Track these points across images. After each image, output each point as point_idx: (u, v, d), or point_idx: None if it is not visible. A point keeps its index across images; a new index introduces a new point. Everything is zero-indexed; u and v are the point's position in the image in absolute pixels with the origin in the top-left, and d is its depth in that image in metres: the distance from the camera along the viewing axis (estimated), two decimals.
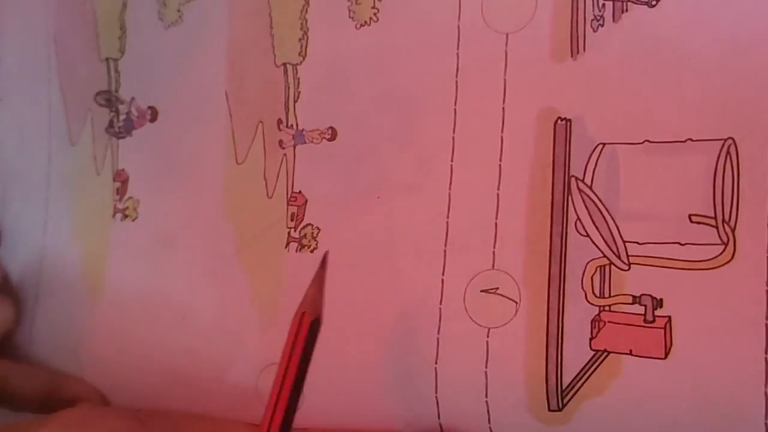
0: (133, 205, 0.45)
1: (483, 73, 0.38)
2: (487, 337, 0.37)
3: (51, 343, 0.47)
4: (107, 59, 0.46)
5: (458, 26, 0.39)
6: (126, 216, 0.45)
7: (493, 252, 0.37)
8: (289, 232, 0.41)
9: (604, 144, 0.35)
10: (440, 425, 0.38)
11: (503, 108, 0.38)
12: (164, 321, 0.43)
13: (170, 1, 0.44)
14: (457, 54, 0.39)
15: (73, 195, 0.47)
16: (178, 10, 0.44)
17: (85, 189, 0.47)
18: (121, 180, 0.46)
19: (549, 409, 0.36)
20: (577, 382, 0.35)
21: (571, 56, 0.36)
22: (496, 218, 0.37)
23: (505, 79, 0.38)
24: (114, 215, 0.46)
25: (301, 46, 0.42)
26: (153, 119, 0.45)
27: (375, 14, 0.40)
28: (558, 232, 0.36)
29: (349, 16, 0.41)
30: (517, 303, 0.36)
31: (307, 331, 0.33)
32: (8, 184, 0.48)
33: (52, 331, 0.47)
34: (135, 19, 0.45)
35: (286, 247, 0.41)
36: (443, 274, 0.38)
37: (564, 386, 0.35)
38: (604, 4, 0.36)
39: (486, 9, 0.38)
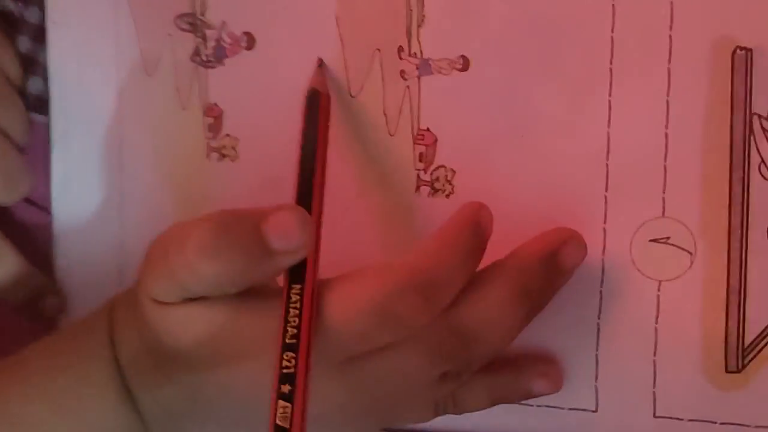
0: (231, 144, 0.41)
1: None
2: (658, 290, 0.35)
3: None
4: None
5: None
6: (224, 156, 0.41)
7: (663, 198, 0.35)
8: (418, 175, 0.38)
9: None
10: (595, 387, 0.36)
11: (670, 36, 0.34)
12: None
13: None
14: None
15: (155, 133, 0.43)
16: None
17: (168, 126, 0.42)
18: (214, 115, 0.42)
19: (726, 370, 0.34)
20: (761, 341, 0.33)
21: None
22: (665, 160, 0.35)
23: (671, 2, 0.34)
24: (208, 155, 0.42)
25: None
26: (250, 46, 0.41)
27: None
28: (739, 178, 0.34)
29: None
30: (691, 254, 0.34)
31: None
32: (70, 121, 0.44)
33: None
34: None
35: (416, 190, 0.38)
36: (605, 223, 0.36)
37: (746, 345, 0.34)
38: None
39: None
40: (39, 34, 0.45)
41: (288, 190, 0.40)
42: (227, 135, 0.42)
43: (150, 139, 0.43)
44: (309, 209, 0.33)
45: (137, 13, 0.43)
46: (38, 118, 0.45)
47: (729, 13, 0.33)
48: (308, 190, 0.34)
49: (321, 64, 0.39)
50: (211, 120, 0.42)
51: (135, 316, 0.34)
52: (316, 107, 0.36)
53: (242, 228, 0.30)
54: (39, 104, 0.45)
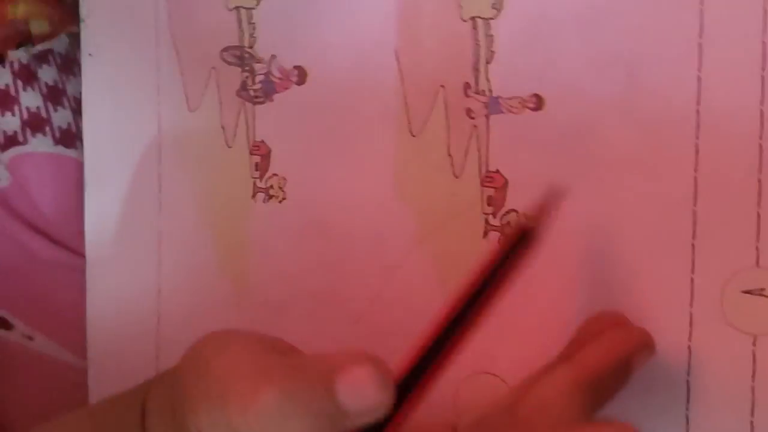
0: (278, 184, 0.39)
1: (734, 33, 0.33)
2: (753, 345, 0.33)
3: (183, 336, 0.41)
4: (238, 8, 0.39)
5: None
6: (271, 197, 0.39)
7: (756, 246, 0.33)
8: (486, 219, 0.36)
9: None
10: None
11: (762, 76, 0.32)
12: (334, 322, 0.38)
13: None
14: (701, 8, 0.33)
15: (196, 172, 0.40)
16: None
17: (212, 164, 0.40)
18: (261, 154, 0.40)
19: None
20: None
21: None
22: (758, 206, 0.33)
23: (764, 42, 0.32)
24: (254, 195, 0.39)
25: None
26: (301, 81, 0.38)
27: None
28: None
29: None
30: None
31: (516, 237, 0.30)
32: (104, 159, 0.41)
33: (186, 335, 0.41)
34: None
35: (485, 236, 0.36)
36: (692, 272, 0.34)
37: None
38: None
39: None
40: (66, 64, 0.42)
41: (335, 235, 0.38)
42: (274, 174, 0.40)
43: (191, 178, 0.41)
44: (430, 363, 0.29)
45: (181, 46, 0.40)
46: (66, 152, 0.42)
47: None
48: (438, 346, 0.29)
49: (554, 195, 0.32)
50: (258, 158, 0.40)
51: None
52: (520, 248, 0.30)
53: (312, 391, 0.26)
54: (66, 138, 0.42)
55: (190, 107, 0.41)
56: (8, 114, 0.42)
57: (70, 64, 0.43)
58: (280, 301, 0.40)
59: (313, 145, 0.39)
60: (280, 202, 0.39)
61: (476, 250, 0.36)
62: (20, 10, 0.42)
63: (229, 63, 0.40)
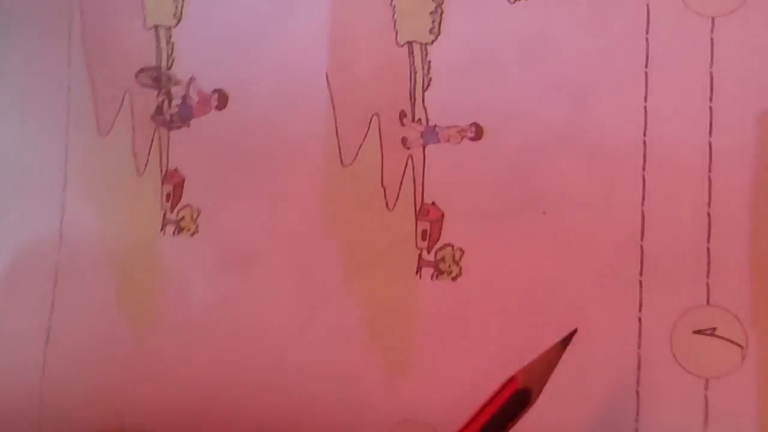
0: (191, 215, 0.36)
1: (681, 63, 0.31)
2: (705, 389, 0.30)
3: (72, 385, 0.37)
4: (156, 26, 0.36)
5: (647, 5, 0.32)
6: (181, 229, 0.36)
7: (707, 284, 0.31)
8: (420, 254, 0.33)
9: None
10: None
11: (710, 107, 0.31)
12: (249, 366, 0.34)
13: None
14: (647, 38, 0.32)
15: (102, 201, 0.37)
16: None
17: (119, 194, 0.37)
18: (174, 183, 0.36)
19: None
20: None
21: None
22: (708, 242, 0.31)
23: (711, 72, 0.31)
24: (163, 228, 0.36)
25: (434, 22, 0.34)
26: (221, 106, 0.36)
27: None
28: None
29: None
30: (742, 347, 0.30)
31: (507, 397, 0.26)
32: (4, 184, 0.37)
33: (73, 387, 0.36)
34: None
35: (417, 272, 0.33)
36: (640, 311, 0.31)
37: None
38: None
39: None
40: None
41: (253, 270, 0.35)
42: (187, 205, 0.36)
43: (96, 208, 0.37)
44: None
45: (94, 66, 0.37)
46: None
47: None
48: None
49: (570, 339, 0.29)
50: (170, 188, 0.36)
51: None
52: (512, 411, 0.27)
53: None
54: None
55: (100, 132, 0.37)
56: None
57: None
58: (187, 345, 0.36)
59: (232, 174, 0.36)
60: (191, 235, 0.36)
61: (408, 288, 0.33)
62: None
63: (145, 85, 0.37)
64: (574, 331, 0.28)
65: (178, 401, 0.36)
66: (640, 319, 0.31)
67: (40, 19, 0.38)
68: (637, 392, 0.31)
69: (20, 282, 0.37)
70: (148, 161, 0.37)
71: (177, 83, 0.36)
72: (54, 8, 0.38)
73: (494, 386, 0.29)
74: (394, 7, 0.34)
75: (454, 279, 0.33)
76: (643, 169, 0.32)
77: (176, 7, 0.36)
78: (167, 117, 0.37)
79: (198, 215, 0.36)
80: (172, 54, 0.36)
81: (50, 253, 0.37)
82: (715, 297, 0.31)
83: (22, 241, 0.37)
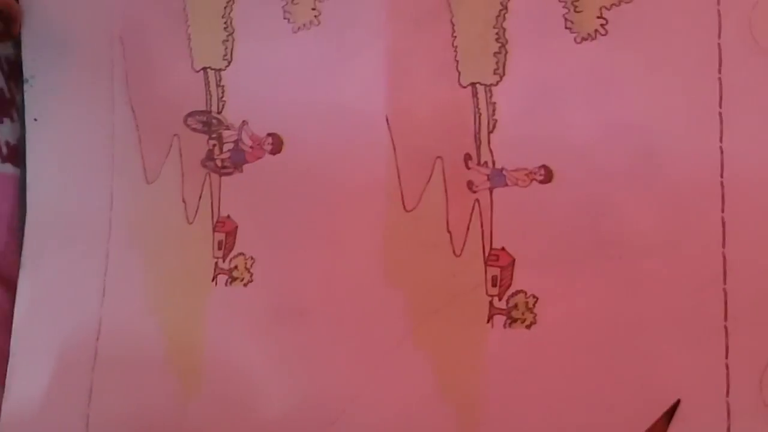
0: (244, 265, 0.34)
1: (757, 103, 0.31)
2: None
3: None
4: (205, 69, 0.35)
5: (719, 44, 0.31)
6: (233, 279, 0.34)
7: None
8: (491, 301, 0.32)
9: None
10: None
11: None
12: (305, 426, 0.33)
13: None
14: (719, 78, 0.31)
15: (149, 251, 0.35)
16: (314, 8, 0.34)
17: (168, 243, 0.35)
18: (226, 231, 0.35)
19: None
20: None
21: None
22: None
23: None
24: (215, 278, 0.34)
25: (498, 63, 0.33)
26: (275, 150, 0.35)
27: (602, 26, 0.32)
28: None
29: (566, 27, 0.32)
30: None
31: None
32: (45, 234, 0.36)
33: None
34: (247, 17, 0.35)
35: (488, 321, 0.32)
36: (726, 358, 0.30)
37: None
38: None
39: (755, 23, 0.31)
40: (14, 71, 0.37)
41: (310, 323, 0.33)
42: (241, 254, 0.35)
43: (143, 259, 0.35)
44: None
45: (139, 110, 0.36)
46: (7, 169, 0.37)
47: None
48: None
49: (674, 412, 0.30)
50: (222, 236, 0.35)
51: None
52: None
53: None
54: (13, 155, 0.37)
55: (147, 179, 0.36)
56: None
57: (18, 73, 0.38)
58: (238, 407, 0.34)
59: (288, 221, 0.34)
60: (245, 285, 0.35)
61: (479, 337, 0.32)
62: None
63: (194, 130, 0.36)
64: (677, 403, 0.27)
65: None
66: (727, 366, 0.30)
67: (81, 64, 0.37)
68: None
69: (60, 335, 0.36)
70: (198, 208, 0.35)
71: (228, 127, 0.35)
72: (95, 52, 0.37)
73: None
74: (456, 47, 0.33)
75: (528, 327, 0.32)
76: (722, 210, 0.31)
77: (225, 49, 0.35)
78: (218, 162, 0.35)
79: (252, 264, 0.35)
80: (222, 97, 0.35)
81: (93, 307, 0.36)
82: None
83: (63, 292, 0.36)
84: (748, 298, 0.30)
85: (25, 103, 0.37)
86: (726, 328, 0.30)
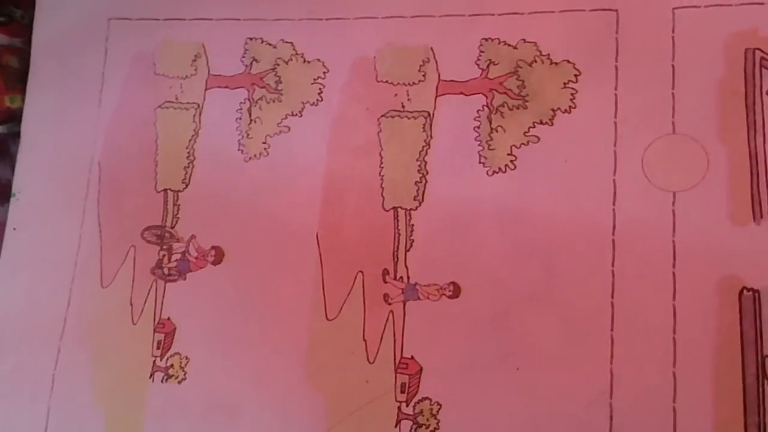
0: (179, 363, 0.37)
1: (646, 233, 0.33)
2: None
3: None
4: (166, 190, 0.39)
5: (614, 180, 0.34)
6: (169, 376, 0.36)
7: None
8: (399, 407, 0.34)
9: None
10: None
11: (673, 273, 0.33)
12: None
13: (256, 132, 0.38)
14: (614, 210, 0.34)
15: (97, 348, 0.38)
16: (264, 142, 0.38)
17: (113, 342, 0.38)
18: (165, 332, 0.37)
19: None
20: None
21: (754, 220, 0.32)
22: (674, 402, 0.31)
23: (674, 241, 0.33)
24: (152, 375, 0.37)
25: (418, 190, 0.36)
26: (217, 261, 0.37)
27: (512, 161, 0.35)
28: (754, 423, 0.31)
29: (480, 161, 0.36)
30: None
31: None
32: (4, 328, 0.39)
33: None
34: (207, 148, 0.39)
35: (396, 425, 0.34)
36: None
37: None
38: None
39: (648, 165, 0.34)
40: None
41: (238, 418, 0.35)
42: (177, 353, 0.37)
43: (90, 356, 0.38)
44: None
45: (105, 224, 0.40)
46: None
47: (733, 254, 0.33)
48: None
49: None
50: (161, 336, 0.38)
51: None
52: None
53: None
54: None
55: (103, 283, 0.39)
56: None
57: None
58: None
59: (222, 325, 0.37)
60: (179, 382, 0.37)
61: None
62: (16, 104, 0.42)
63: (149, 241, 0.39)
64: None
65: None
66: None
67: (62, 183, 0.41)
68: None
69: (10, 423, 0.38)
70: (143, 310, 0.38)
71: (178, 240, 0.38)
72: (76, 174, 0.41)
73: None
74: (383, 176, 0.37)
75: None
76: (612, 329, 0.33)
77: (185, 174, 0.39)
78: (165, 271, 0.38)
79: (187, 363, 0.37)
80: (177, 214, 0.39)
81: (42, 399, 0.38)
82: None
83: (15, 383, 0.38)
84: (630, 413, 0.32)
85: (9, 215, 0.41)
86: None
